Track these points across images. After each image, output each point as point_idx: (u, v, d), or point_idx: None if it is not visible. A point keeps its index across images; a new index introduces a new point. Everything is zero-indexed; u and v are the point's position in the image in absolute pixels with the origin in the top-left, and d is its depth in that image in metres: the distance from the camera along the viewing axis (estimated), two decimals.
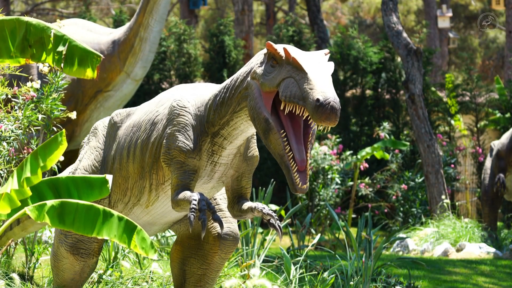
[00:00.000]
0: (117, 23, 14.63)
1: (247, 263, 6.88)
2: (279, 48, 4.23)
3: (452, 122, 15.29)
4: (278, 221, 4.57)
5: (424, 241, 11.07)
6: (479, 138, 15.42)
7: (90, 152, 5.27)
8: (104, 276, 6.22)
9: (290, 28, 15.63)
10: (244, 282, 6.15)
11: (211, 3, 31.16)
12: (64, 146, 4.39)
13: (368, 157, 13.03)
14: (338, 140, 12.88)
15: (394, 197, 12.96)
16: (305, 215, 12.05)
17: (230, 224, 5.16)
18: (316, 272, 7.28)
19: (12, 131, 5.76)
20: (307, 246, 8.44)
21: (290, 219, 9.40)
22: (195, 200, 4.38)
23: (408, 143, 13.14)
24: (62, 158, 5.62)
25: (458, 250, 10.71)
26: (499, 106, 15.64)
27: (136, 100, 13.48)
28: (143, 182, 4.85)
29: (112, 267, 6.48)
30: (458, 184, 14.39)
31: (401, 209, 12.87)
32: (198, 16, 29.00)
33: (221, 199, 5.22)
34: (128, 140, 4.94)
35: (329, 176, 12.38)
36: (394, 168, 13.33)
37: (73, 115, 6.01)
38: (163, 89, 14.83)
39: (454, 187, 14.04)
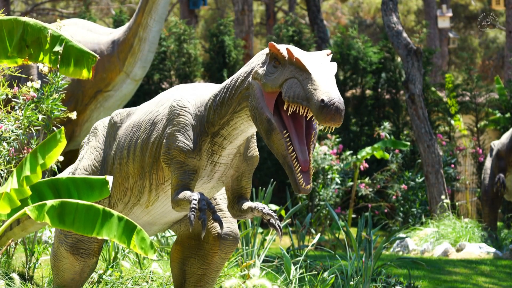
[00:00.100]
0: (117, 23, 14.63)
1: (247, 263, 6.88)
2: (282, 48, 4.22)
3: (452, 122, 15.29)
4: (278, 221, 4.57)
5: (424, 241, 11.07)
6: (479, 138, 15.42)
7: (90, 152, 5.27)
8: (104, 276, 6.22)
9: (290, 28, 15.63)
10: (244, 282, 6.16)
11: (211, 3, 31.16)
12: (63, 144, 4.38)
13: (368, 157, 13.03)
14: (338, 140, 12.89)
15: (394, 197, 12.96)
16: (305, 215, 12.05)
17: (230, 224, 5.16)
18: (316, 272, 7.28)
19: (12, 131, 5.76)
20: (307, 246, 8.44)
21: (290, 219, 9.41)
22: (195, 199, 4.38)
23: (408, 143, 13.14)
24: (61, 158, 5.63)
25: (458, 250, 10.71)
26: (499, 106, 15.64)
27: (136, 100, 13.49)
28: (143, 182, 4.85)
29: (112, 267, 6.48)
30: (458, 184, 14.39)
31: (401, 209, 12.87)
32: (198, 16, 29.00)
33: (221, 199, 5.22)
34: (128, 140, 4.94)
35: (329, 176, 12.38)
36: (394, 168, 13.33)
37: (73, 115, 6.01)
38: (163, 89, 14.83)
39: (454, 187, 14.04)
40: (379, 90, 15.59)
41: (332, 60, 14.74)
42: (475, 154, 14.94)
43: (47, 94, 5.99)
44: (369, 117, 15.44)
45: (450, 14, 25.00)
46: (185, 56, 15.03)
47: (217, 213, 4.96)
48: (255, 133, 4.74)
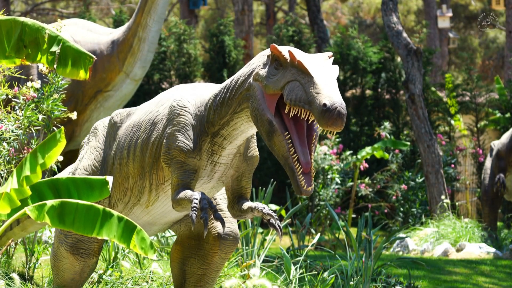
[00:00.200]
0: (117, 23, 14.63)
1: (247, 263, 6.88)
2: (284, 50, 4.20)
3: (452, 122, 15.29)
4: (278, 221, 4.56)
5: (424, 241, 11.07)
6: (479, 138, 15.42)
7: (90, 152, 5.27)
8: (104, 276, 6.22)
9: (290, 28, 15.63)
10: (244, 282, 6.16)
11: (211, 3, 31.16)
12: (63, 144, 4.38)
13: (368, 157, 13.03)
14: (338, 140, 12.88)
15: (394, 197, 12.96)
16: (305, 215, 12.05)
17: (230, 224, 5.16)
18: (316, 272, 7.28)
19: (12, 131, 5.76)
20: (307, 246, 8.43)
21: (290, 219, 9.40)
22: (197, 199, 4.38)
23: (408, 143, 13.14)
24: (61, 158, 5.63)
25: (458, 250, 10.71)
26: (499, 106, 15.64)
27: (136, 100, 13.48)
28: (143, 182, 4.85)
29: (112, 267, 6.48)
30: (458, 184, 14.39)
31: (401, 209, 12.87)
32: (198, 16, 29.00)
33: (221, 199, 5.22)
34: (128, 140, 4.94)
35: (329, 176, 12.38)
36: (394, 168, 13.33)
37: (73, 115, 6.02)
38: (163, 89, 14.83)
39: (454, 187, 14.04)
40: (379, 90, 15.59)
41: (332, 60, 14.71)
42: (475, 154, 14.94)
43: (47, 94, 5.99)
44: (369, 117, 15.43)
45: (450, 14, 25.00)
46: (185, 56, 15.03)
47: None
48: (255, 133, 4.74)
